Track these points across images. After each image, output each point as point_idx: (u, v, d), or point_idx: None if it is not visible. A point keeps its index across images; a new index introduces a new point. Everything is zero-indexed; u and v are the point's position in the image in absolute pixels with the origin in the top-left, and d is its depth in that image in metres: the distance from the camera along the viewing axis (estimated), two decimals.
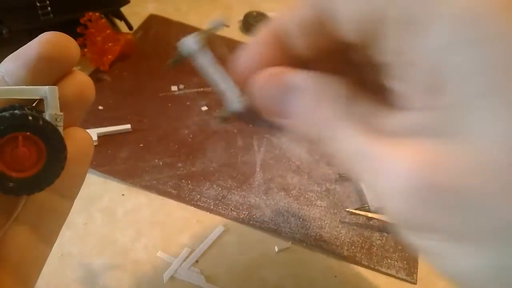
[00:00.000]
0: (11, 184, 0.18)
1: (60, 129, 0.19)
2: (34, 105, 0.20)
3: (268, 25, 0.22)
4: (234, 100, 0.23)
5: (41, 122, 0.18)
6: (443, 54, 0.15)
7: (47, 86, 0.19)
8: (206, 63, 0.23)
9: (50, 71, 0.20)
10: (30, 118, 0.18)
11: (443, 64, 0.15)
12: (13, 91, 0.19)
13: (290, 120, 0.21)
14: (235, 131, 0.57)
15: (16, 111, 0.18)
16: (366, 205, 0.50)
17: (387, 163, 0.16)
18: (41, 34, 0.20)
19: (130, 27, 0.68)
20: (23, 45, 0.20)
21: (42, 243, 0.22)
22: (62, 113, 0.19)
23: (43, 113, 0.19)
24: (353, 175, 0.19)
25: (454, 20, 0.15)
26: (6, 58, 0.20)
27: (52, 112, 0.19)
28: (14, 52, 0.20)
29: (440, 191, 0.15)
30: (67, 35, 0.20)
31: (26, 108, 0.19)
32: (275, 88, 0.21)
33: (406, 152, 0.16)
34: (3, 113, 0.18)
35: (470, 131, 0.15)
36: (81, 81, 0.21)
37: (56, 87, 0.19)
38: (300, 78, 0.20)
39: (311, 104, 0.20)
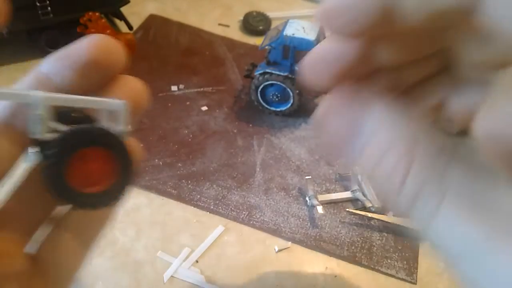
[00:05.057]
0: (86, 198, 0.18)
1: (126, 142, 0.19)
2: (82, 114, 0.20)
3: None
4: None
5: (113, 137, 0.18)
6: None
7: (122, 101, 0.19)
8: None
9: (96, 75, 0.19)
10: (102, 132, 0.18)
11: None
12: (86, 101, 0.18)
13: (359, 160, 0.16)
14: (235, 131, 0.57)
15: (87, 125, 0.18)
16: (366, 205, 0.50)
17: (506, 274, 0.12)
18: (90, 36, 0.19)
19: (130, 27, 0.68)
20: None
21: (83, 249, 0.22)
22: (130, 128, 0.19)
23: (95, 122, 0.19)
24: (450, 260, 0.14)
25: None
26: (51, 56, 0.19)
27: (122, 126, 0.19)
28: (62, 51, 0.19)
29: None
30: (115, 40, 0.20)
31: (83, 119, 0.19)
32: (346, 121, 0.16)
33: None
34: (75, 128, 0.17)
35: None
36: (134, 88, 0.20)
37: (128, 102, 0.19)
38: (380, 112, 0.15)
39: (391, 159, 0.14)
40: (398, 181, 0.14)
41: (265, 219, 0.49)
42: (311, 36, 0.53)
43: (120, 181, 0.18)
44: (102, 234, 0.22)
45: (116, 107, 0.18)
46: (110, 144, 0.18)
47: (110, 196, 0.18)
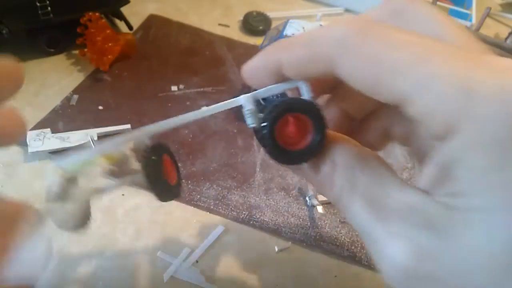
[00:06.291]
0: (289, 155, 0.22)
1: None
2: None
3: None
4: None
5: (308, 104, 0.22)
6: (462, 154, 0.16)
7: (302, 81, 0.23)
8: None
9: None
10: (300, 101, 0.22)
11: (459, 161, 0.16)
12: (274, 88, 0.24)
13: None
14: (235, 131, 0.57)
15: (290, 97, 0.23)
16: None
17: (385, 249, 0.18)
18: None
19: (130, 27, 0.68)
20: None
21: None
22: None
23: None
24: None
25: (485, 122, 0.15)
26: None
27: (309, 96, 0.23)
28: None
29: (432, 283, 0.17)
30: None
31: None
32: None
33: (403, 242, 0.18)
34: (283, 99, 0.22)
35: (470, 229, 0.16)
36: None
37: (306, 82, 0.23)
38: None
39: (327, 171, 0.22)
40: (329, 188, 0.21)
41: (265, 219, 0.49)
42: None
43: (313, 141, 0.22)
44: None
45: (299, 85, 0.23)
46: (303, 109, 0.22)
47: (307, 153, 0.22)
